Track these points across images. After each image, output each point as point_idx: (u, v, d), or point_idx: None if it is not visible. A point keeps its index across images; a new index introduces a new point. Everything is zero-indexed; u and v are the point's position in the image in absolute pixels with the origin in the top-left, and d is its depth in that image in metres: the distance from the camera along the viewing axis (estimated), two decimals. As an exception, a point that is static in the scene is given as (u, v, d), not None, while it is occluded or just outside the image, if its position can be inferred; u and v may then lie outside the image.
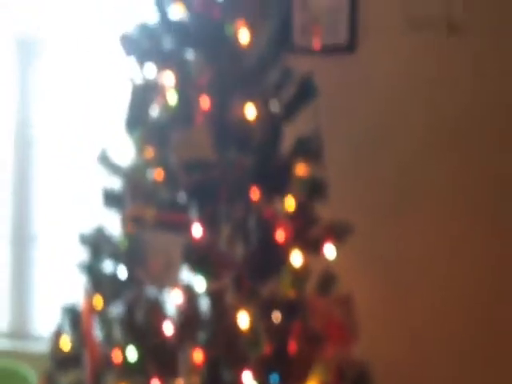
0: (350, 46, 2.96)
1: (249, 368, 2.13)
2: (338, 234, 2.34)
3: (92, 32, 3.41)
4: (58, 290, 3.52)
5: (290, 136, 2.37)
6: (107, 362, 2.30)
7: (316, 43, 2.88)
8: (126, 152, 2.45)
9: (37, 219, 3.60)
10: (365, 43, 2.97)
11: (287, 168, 2.33)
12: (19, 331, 3.61)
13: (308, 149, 2.35)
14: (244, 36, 2.30)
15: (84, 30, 3.44)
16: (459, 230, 2.90)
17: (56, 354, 2.44)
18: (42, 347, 3.22)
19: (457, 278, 2.91)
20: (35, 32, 3.50)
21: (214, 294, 2.25)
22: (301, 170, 2.34)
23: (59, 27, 3.48)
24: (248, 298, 2.20)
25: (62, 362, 2.43)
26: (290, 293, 2.23)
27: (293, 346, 2.17)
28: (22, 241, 3.61)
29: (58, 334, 2.47)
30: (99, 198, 2.47)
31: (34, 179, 3.60)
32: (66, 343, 2.44)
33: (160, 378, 2.21)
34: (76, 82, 3.51)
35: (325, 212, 2.35)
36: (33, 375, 2.96)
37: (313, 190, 2.33)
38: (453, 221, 2.91)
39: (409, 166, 2.95)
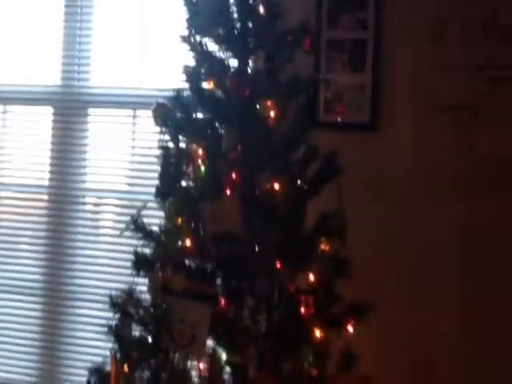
0: (373, 125, 3.05)
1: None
2: (360, 312, 2.37)
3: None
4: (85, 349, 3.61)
5: (313, 212, 2.42)
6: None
7: (339, 119, 2.97)
8: (157, 219, 2.53)
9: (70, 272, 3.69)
10: (387, 122, 3.05)
11: (311, 244, 2.37)
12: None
13: (331, 225, 2.39)
14: (272, 114, 2.36)
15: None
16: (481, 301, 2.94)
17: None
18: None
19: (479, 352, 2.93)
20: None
21: (237, 366, 2.30)
22: (324, 246, 2.38)
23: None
24: (270, 372, 2.23)
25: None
26: (312, 370, 2.26)
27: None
28: (53, 292, 3.71)
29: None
30: (130, 261, 2.54)
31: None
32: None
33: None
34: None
35: (347, 289, 2.38)
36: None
37: (335, 268, 2.36)
38: (476, 294, 2.95)
39: (433, 243, 3.00)
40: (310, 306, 2.34)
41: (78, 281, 3.65)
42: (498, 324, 2.93)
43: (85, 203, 3.69)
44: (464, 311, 2.97)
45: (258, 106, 2.36)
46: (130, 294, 2.51)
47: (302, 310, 2.32)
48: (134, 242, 2.54)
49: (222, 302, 2.31)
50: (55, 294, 3.67)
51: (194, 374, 2.37)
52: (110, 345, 2.47)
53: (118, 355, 2.44)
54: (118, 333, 2.47)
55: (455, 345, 2.96)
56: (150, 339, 2.41)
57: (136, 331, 2.46)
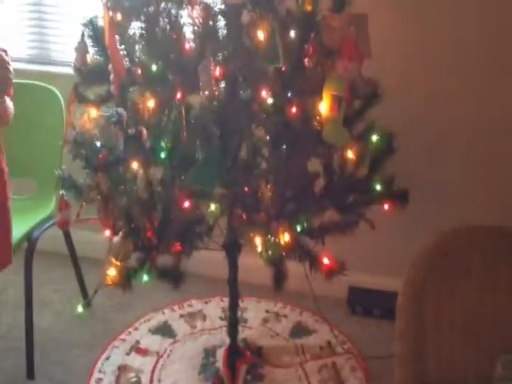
0: None
1: (266, 83, 2.23)
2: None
3: None
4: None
5: None
6: (131, 76, 2.39)
7: None
8: None
9: None
10: None
11: None
12: (40, 57, 3.64)
13: None
14: None
15: None
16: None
17: (81, 68, 2.53)
18: (64, 71, 3.33)
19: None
20: None
21: (232, 11, 2.28)
22: None
23: None
24: (265, 13, 2.21)
25: (87, 76, 2.53)
26: (306, 7, 2.24)
27: (307, 62, 2.25)
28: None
29: (81, 48, 2.53)
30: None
31: None
32: (90, 57, 2.52)
33: (181, 90, 2.30)
34: None
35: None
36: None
37: None
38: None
39: None
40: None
41: None
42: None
43: None
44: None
45: None
46: None
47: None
48: None
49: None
50: None
51: (187, 22, 2.35)
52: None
53: (111, 7, 2.40)
54: None
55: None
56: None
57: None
